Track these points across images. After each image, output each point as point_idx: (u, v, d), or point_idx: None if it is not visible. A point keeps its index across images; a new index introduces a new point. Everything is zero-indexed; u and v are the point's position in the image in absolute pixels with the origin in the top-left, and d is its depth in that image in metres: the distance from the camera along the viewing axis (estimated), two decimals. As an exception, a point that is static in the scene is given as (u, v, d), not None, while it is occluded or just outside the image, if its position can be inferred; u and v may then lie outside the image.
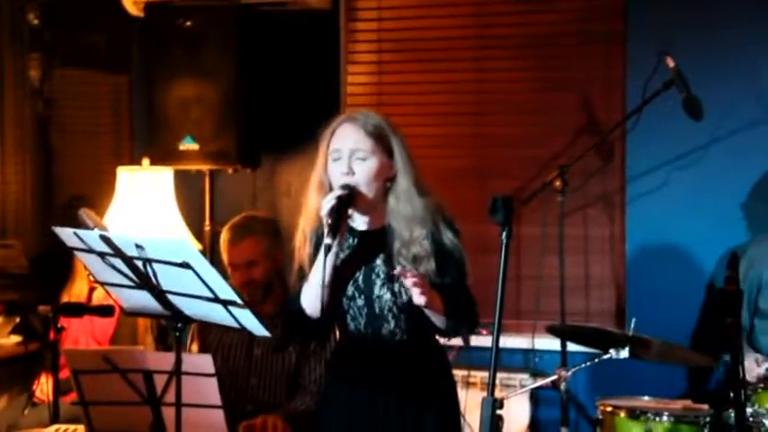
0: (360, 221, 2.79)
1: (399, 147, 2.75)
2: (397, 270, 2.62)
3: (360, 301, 2.77)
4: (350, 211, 2.68)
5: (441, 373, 2.89)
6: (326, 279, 2.64)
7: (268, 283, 3.54)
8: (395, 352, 2.78)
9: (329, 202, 2.61)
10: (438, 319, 2.70)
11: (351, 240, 2.79)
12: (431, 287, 2.63)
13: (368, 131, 2.71)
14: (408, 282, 2.57)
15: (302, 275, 2.80)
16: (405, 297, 2.71)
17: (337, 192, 2.65)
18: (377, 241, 2.77)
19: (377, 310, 2.76)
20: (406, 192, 2.72)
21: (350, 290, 2.77)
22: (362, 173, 2.69)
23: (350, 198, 2.65)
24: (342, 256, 2.76)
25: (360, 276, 2.77)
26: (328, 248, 2.57)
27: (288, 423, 3.22)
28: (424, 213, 2.72)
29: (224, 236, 3.59)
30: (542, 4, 4.63)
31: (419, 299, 2.58)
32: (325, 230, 2.58)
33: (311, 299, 2.71)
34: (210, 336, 3.60)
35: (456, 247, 2.76)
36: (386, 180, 2.73)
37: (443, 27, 4.77)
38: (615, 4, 4.49)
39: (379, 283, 2.75)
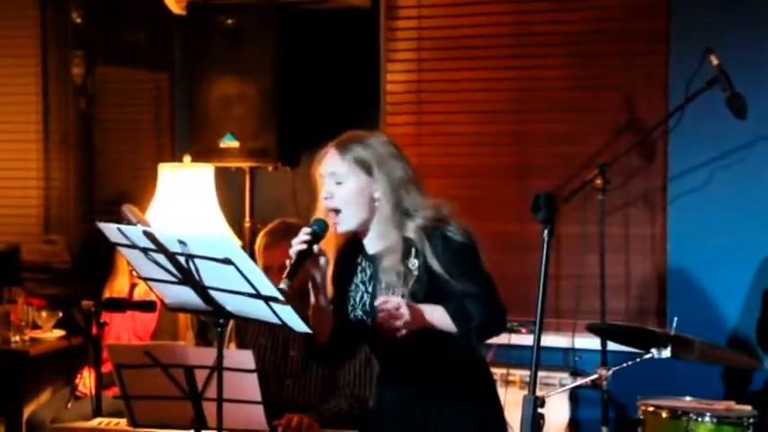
0: (367, 245, 2.79)
1: (380, 168, 2.71)
2: (377, 302, 2.59)
3: (369, 324, 2.76)
4: (315, 248, 2.63)
5: (469, 387, 2.81)
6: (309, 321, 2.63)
7: (302, 290, 3.53)
8: (409, 369, 2.77)
9: (298, 244, 2.60)
10: (449, 328, 2.65)
11: (364, 263, 2.80)
12: (412, 304, 2.58)
13: (342, 155, 2.72)
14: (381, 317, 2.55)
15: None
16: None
17: (307, 229, 2.63)
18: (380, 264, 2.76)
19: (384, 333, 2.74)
20: (388, 217, 2.71)
21: (359, 313, 2.78)
22: (340, 196, 2.71)
23: (316, 235, 2.62)
24: (358, 279, 2.78)
25: (367, 300, 2.77)
26: (282, 292, 2.49)
27: (318, 422, 3.22)
28: (411, 235, 2.69)
29: (260, 241, 3.60)
30: (584, 1, 4.59)
31: (398, 329, 2.55)
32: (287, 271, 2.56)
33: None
34: (247, 337, 3.61)
35: (452, 262, 2.67)
36: (371, 200, 2.72)
37: (483, 24, 4.74)
38: (659, 2, 4.44)
39: None
